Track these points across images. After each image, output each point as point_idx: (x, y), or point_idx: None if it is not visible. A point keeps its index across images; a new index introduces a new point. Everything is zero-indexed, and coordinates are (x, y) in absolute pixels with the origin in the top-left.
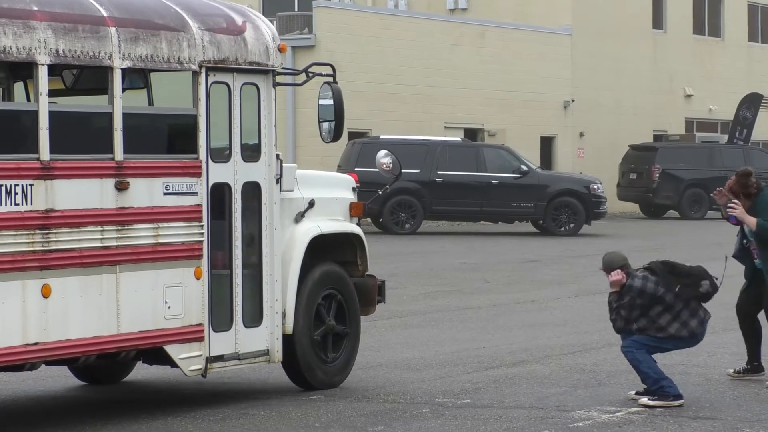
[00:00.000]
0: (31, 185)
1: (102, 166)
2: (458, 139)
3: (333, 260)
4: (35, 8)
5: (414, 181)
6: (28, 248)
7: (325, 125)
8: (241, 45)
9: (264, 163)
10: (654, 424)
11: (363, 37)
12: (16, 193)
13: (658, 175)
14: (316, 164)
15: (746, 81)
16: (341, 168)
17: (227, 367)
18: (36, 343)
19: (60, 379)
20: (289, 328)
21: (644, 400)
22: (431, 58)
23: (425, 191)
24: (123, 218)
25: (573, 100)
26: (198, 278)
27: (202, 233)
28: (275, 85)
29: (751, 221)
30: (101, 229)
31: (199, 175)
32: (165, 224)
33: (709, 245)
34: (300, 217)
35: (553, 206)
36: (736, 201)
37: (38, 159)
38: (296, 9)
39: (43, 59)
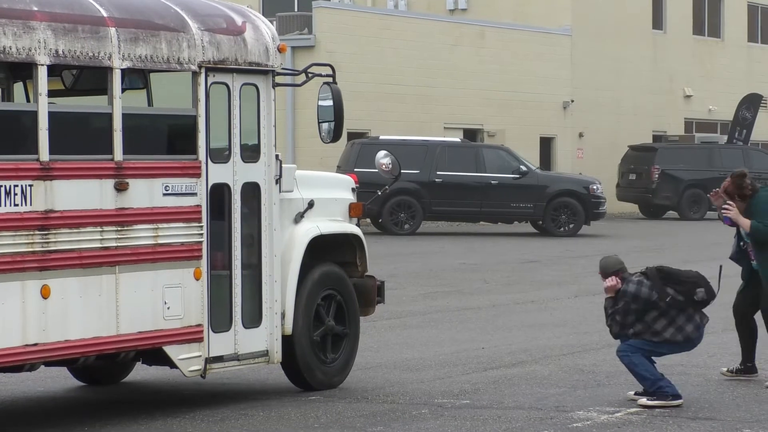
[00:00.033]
0: (30, 186)
1: (101, 166)
2: (457, 139)
3: (332, 261)
4: (35, 8)
5: (413, 181)
6: (28, 249)
7: (325, 126)
8: (241, 45)
9: (263, 163)
10: (653, 425)
11: (363, 37)
12: (15, 194)
13: (657, 175)
14: (315, 165)
15: (746, 81)
16: (341, 168)
17: (226, 367)
18: (35, 344)
19: (59, 380)
20: (289, 329)
21: (643, 400)
22: (431, 58)
23: (425, 192)
24: (122, 219)
25: (572, 101)
26: (197, 279)
27: (202, 234)
28: (275, 85)
29: (745, 223)
30: (101, 229)
31: (198, 175)
32: (164, 225)
33: (709, 245)
34: (299, 217)
35: (553, 207)
36: (730, 202)
37: (38, 159)
38: (296, 9)
39: (43, 59)
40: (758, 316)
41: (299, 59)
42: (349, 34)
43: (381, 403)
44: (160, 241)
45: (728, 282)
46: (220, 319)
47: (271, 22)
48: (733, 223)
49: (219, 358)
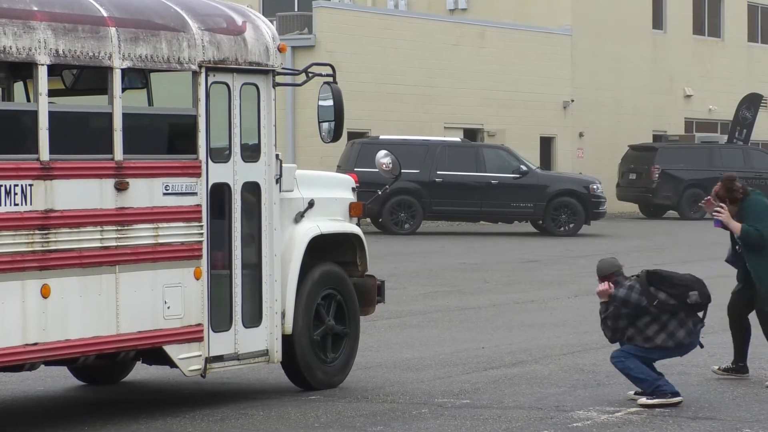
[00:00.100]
0: (30, 185)
1: (101, 166)
2: (458, 139)
3: (332, 260)
4: (35, 8)
5: (413, 181)
6: (28, 248)
7: (325, 125)
8: (241, 45)
9: (264, 163)
10: (653, 425)
11: (363, 37)
12: (15, 194)
13: (657, 175)
14: (315, 164)
15: (746, 81)
16: (341, 168)
17: (226, 367)
18: (35, 344)
19: (59, 380)
20: (289, 329)
21: (643, 399)
22: (431, 58)
23: (425, 191)
24: (122, 218)
25: (573, 101)
26: (197, 278)
27: (202, 233)
28: (275, 85)
29: (736, 227)
30: (101, 229)
31: (198, 175)
32: (164, 224)
33: (708, 245)
34: (299, 217)
35: (553, 206)
36: (722, 205)
37: (38, 159)
38: (296, 9)
39: (43, 59)
40: (752, 317)
41: (299, 59)
42: (350, 34)
43: (381, 402)
44: (161, 240)
45: (728, 282)
46: (220, 319)
47: (271, 21)
48: (724, 226)
49: (219, 358)
